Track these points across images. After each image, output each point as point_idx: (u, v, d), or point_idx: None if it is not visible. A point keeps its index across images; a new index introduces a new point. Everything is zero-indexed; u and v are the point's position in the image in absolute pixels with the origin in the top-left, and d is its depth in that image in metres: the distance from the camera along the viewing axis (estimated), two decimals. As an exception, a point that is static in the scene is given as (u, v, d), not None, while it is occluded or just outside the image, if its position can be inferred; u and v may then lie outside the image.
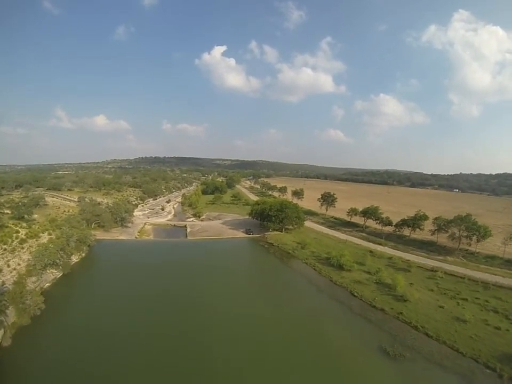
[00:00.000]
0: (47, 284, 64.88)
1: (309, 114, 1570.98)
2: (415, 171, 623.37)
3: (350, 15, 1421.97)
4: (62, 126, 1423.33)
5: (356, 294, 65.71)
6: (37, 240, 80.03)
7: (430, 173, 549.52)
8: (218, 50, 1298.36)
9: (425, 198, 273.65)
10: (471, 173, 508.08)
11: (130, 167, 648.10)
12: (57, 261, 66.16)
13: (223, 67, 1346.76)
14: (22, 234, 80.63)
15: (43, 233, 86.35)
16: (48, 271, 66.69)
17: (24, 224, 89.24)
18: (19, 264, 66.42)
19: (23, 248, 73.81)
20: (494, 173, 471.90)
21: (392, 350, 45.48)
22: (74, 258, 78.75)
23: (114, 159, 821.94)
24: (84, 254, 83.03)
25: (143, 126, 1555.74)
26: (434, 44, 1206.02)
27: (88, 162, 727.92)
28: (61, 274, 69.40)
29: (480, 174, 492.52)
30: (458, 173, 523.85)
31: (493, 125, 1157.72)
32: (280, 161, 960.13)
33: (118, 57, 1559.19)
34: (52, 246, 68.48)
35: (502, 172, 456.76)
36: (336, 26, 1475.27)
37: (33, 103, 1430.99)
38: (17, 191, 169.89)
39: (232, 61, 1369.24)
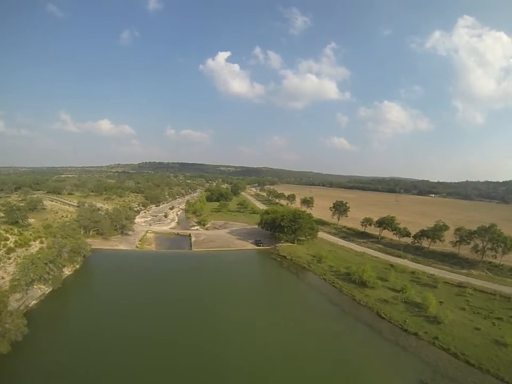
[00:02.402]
0: (33, 302, 56.62)
1: (313, 121, 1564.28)
2: (419, 179, 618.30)
3: (354, 20, 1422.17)
4: (66, 129, 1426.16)
5: (383, 315, 59.11)
6: (26, 250, 72.29)
7: (436, 181, 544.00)
8: (223, 56, 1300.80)
9: (435, 206, 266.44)
10: (478, 181, 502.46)
11: (133, 172, 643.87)
12: (45, 275, 57.81)
13: (227, 73, 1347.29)
14: (11, 242, 72.88)
15: (35, 241, 78.60)
16: (35, 286, 58.47)
17: (16, 230, 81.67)
18: (2, 278, 58.67)
19: (9, 258, 66.11)
20: (501, 180, 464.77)
21: (434, 384, 39.49)
22: (67, 271, 70.40)
23: (118, 164, 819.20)
24: (78, 266, 74.61)
25: (147, 131, 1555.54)
26: (438, 50, 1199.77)
27: (92, 166, 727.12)
28: (50, 290, 61.07)
29: (487, 181, 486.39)
30: (464, 180, 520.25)
31: (498, 132, 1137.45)
32: (284, 168, 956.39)
33: (123, 62, 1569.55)
34: (41, 257, 60.18)
35: (509, 179, 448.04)
36: (340, 32, 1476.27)
37: (37, 105, 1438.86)
38: (16, 194, 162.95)
39: (236, 67, 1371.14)
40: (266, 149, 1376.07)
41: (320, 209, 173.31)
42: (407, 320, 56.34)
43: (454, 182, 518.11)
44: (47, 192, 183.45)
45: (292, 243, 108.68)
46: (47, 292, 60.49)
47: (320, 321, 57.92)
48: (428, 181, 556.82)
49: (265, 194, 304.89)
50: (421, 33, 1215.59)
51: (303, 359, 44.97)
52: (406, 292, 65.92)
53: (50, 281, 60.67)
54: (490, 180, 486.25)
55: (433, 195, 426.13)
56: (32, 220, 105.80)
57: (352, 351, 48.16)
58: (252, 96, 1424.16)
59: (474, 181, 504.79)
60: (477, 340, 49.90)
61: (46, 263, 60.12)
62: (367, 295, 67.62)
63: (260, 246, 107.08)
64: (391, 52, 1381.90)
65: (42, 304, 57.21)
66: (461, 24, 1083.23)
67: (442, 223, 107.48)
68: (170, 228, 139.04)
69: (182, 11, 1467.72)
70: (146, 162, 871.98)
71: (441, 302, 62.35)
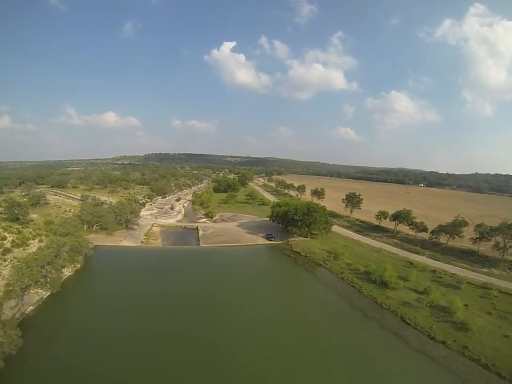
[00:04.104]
0: (30, 308, 51.97)
1: (320, 112, 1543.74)
2: (427, 170, 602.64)
3: (362, 8, 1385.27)
4: (71, 122, 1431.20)
5: (408, 321, 54.28)
6: (24, 250, 67.60)
7: (445, 172, 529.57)
8: (228, 46, 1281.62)
9: (447, 199, 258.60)
10: (488, 173, 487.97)
11: (139, 163, 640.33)
12: (41, 280, 52.99)
13: (233, 63, 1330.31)
14: (8, 241, 68.32)
15: (33, 239, 73.97)
16: (31, 291, 53.80)
17: (15, 228, 77.19)
18: (-4, 283, 53.99)
19: (5, 260, 61.52)
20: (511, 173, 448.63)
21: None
22: (67, 272, 65.67)
23: (124, 156, 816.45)
24: (78, 266, 69.79)
25: (153, 122, 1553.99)
26: (448, 40, 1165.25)
27: (98, 159, 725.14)
28: (48, 294, 56.36)
29: (498, 174, 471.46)
30: (474, 172, 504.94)
31: (508, 123, 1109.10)
32: (290, 158, 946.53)
33: (127, 54, 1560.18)
34: (38, 259, 55.27)
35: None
36: (348, 20, 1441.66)
37: (42, 99, 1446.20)
38: (20, 189, 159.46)
39: (241, 57, 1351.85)
40: (272, 140, 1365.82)
41: (331, 201, 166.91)
42: (433, 327, 52.03)
43: (464, 174, 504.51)
44: (51, 186, 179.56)
45: (305, 237, 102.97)
46: (45, 297, 55.76)
47: (342, 328, 53.18)
48: (437, 172, 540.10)
49: (274, 185, 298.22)
50: (431, 22, 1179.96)
51: (325, 371, 40.81)
52: (430, 294, 61.44)
53: (48, 285, 55.97)
54: (500, 173, 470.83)
55: (447, 187, 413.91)
56: (35, 215, 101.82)
57: (379, 363, 43.71)
58: (258, 86, 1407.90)
59: (484, 173, 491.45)
60: (507, 349, 46.09)
61: (43, 266, 55.31)
62: (389, 297, 62.57)
63: (271, 240, 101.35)
64: (400, 41, 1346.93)
65: (40, 310, 52.57)
66: (472, 13, 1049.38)
67: (461, 218, 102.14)
68: (177, 221, 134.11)
69: (186, 1, 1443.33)
70: (152, 154, 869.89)
71: (466, 305, 58.21)
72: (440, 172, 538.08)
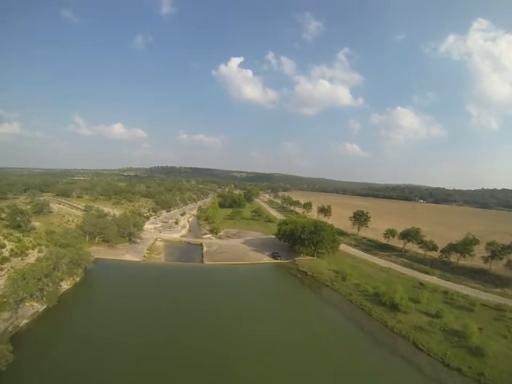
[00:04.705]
0: (24, 321, 49.32)
1: (326, 127, 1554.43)
2: (433, 186, 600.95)
3: (368, 24, 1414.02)
4: (80, 132, 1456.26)
5: (421, 346, 51.43)
6: (22, 259, 65.53)
7: (451, 188, 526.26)
8: (235, 61, 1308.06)
9: (454, 215, 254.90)
10: (495, 188, 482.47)
11: (145, 175, 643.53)
12: (37, 293, 50.52)
13: (240, 78, 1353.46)
14: (6, 250, 66.34)
15: (33, 249, 71.91)
16: (26, 304, 51.25)
17: (15, 236, 75.33)
18: (-9, 294, 51.56)
19: (2, 269, 59.27)
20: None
21: None
22: (65, 285, 63.04)
23: (130, 167, 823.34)
24: (77, 279, 67.16)
25: (159, 135, 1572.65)
26: (452, 55, 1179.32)
27: (104, 169, 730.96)
28: (44, 307, 53.72)
29: (505, 189, 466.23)
30: (480, 188, 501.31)
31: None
32: (296, 174, 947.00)
33: (136, 66, 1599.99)
34: (35, 271, 52.98)
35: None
36: (354, 37, 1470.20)
37: (52, 108, 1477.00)
38: (25, 195, 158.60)
39: (249, 72, 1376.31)
40: (278, 155, 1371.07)
41: (338, 218, 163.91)
42: (447, 353, 48.98)
43: (470, 190, 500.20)
44: (56, 195, 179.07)
45: (311, 256, 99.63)
46: (40, 310, 53.09)
47: (351, 354, 49.69)
48: (444, 188, 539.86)
49: (280, 201, 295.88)
50: (435, 38, 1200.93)
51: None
52: (442, 317, 58.80)
53: (44, 298, 53.40)
54: (507, 188, 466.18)
55: (453, 204, 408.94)
56: (37, 223, 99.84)
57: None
58: (265, 101, 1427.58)
59: (491, 188, 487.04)
60: (523, 375, 42.98)
61: (39, 278, 52.88)
62: (400, 320, 59.43)
63: (277, 259, 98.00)
64: (405, 57, 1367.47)
65: (34, 324, 49.89)
66: (475, 28, 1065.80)
67: (472, 236, 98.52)
68: (181, 236, 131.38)
69: (195, 16, 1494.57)
70: (158, 167, 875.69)
71: (480, 329, 55.23)
72: (446, 188, 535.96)
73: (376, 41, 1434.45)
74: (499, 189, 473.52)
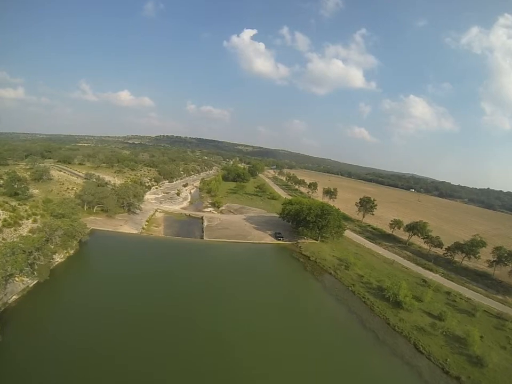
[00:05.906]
0: (13, 297, 47.02)
1: (335, 108, 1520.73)
2: (437, 179, 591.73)
3: (389, 6, 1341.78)
4: (86, 98, 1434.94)
5: (422, 349, 49.66)
6: (15, 230, 62.73)
7: (457, 184, 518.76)
8: (248, 33, 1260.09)
9: (459, 213, 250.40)
10: (501, 190, 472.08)
11: (150, 144, 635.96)
12: (26, 268, 47.90)
13: (252, 51, 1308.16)
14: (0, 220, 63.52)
15: (27, 219, 69.15)
16: (16, 279, 48.83)
17: (11, 205, 72.53)
18: (-21, 267, 49.05)
19: (-7, 241, 56.52)
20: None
21: None
22: (58, 258, 60.61)
23: (135, 135, 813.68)
24: (72, 252, 64.71)
25: (167, 104, 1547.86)
26: (473, 48, 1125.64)
27: (109, 136, 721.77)
28: (35, 282, 51.43)
29: (511, 192, 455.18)
30: (486, 188, 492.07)
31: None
32: (302, 153, 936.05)
33: (146, 34, 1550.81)
34: (25, 244, 50.20)
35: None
36: (373, 18, 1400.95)
37: (58, 74, 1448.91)
38: (25, 162, 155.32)
39: (261, 46, 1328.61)
40: (285, 132, 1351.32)
41: (343, 202, 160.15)
42: (448, 359, 47.51)
43: (476, 188, 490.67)
44: (57, 161, 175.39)
45: (315, 240, 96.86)
46: (31, 285, 50.80)
47: (352, 353, 48.02)
48: (450, 183, 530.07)
49: (284, 179, 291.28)
50: (458, 28, 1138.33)
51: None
52: (445, 320, 57.38)
53: (35, 273, 50.97)
54: None
55: (458, 200, 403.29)
56: (36, 191, 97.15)
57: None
58: (275, 77, 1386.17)
59: (497, 190, 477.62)
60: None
61: (30, 252, 50.16)
62: (402, 319, 57.58)
63: (279, 240, 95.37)
64: (423, 44, 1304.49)
65: (24, 300, 47.51)
66: (500, 23, 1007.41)
67: (479, 238, 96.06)
68: (182, 208, 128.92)
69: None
70: (163, 136, 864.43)
71: (481, 337, 53.20)
72: (452, 183, 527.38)
73: (395, 24, 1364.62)
74: (505, 191, 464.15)
